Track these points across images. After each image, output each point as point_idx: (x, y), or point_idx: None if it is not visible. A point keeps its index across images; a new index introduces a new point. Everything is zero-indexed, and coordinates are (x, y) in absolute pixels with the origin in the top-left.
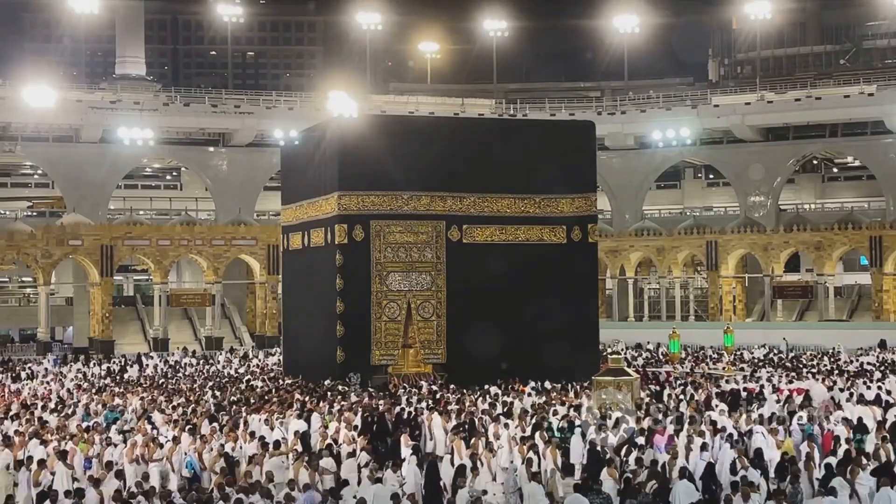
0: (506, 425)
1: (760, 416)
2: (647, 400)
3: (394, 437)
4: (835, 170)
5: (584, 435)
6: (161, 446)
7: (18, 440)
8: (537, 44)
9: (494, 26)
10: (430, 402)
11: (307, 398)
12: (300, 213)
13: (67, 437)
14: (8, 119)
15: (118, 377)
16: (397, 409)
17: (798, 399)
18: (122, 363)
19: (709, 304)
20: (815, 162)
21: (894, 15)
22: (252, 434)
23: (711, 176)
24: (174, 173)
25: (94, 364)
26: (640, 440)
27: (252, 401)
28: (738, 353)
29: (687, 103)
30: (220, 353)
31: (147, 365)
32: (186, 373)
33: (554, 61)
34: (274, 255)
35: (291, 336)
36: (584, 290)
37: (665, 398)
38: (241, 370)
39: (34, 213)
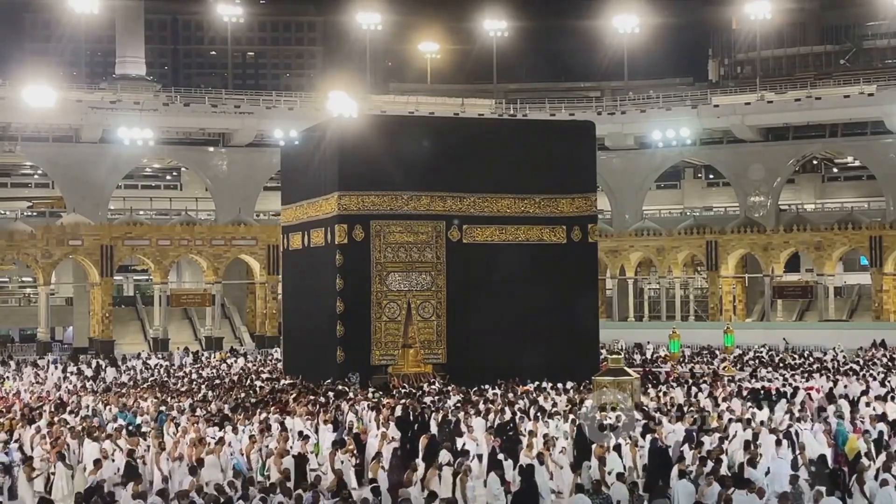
0: (546, 423)
1: (790, 413)
2: (671, 398)
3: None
4: (835, 170)
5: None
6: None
7: (60, 441)
8: (537, 44)
9: (494, 26)
10: (460, 402)
11: (319, 398)
12: (300, 213)
13: (103, 435)
14: (8, 119)
15: (97, 379)
16: (416, 409)
17: (817, 397)
18: (97, 365)
19: (709, 304)
20: (815, 162)
21: (894, 15)
22: (300, 433)
23: (711, 176)
24: (174, 173)
25: (68, 368)
26: (706, 439)
27: (281, 401)
28: (709, 351)
29: (687, 103)
30: (205, 355)
31: (123, 367)
32: (158, 374)
33: (554, 61)
34: (274, 255)
35: (291, 336)
36: (584, 291)
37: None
38: (224, 368)
39: (34, 213)
